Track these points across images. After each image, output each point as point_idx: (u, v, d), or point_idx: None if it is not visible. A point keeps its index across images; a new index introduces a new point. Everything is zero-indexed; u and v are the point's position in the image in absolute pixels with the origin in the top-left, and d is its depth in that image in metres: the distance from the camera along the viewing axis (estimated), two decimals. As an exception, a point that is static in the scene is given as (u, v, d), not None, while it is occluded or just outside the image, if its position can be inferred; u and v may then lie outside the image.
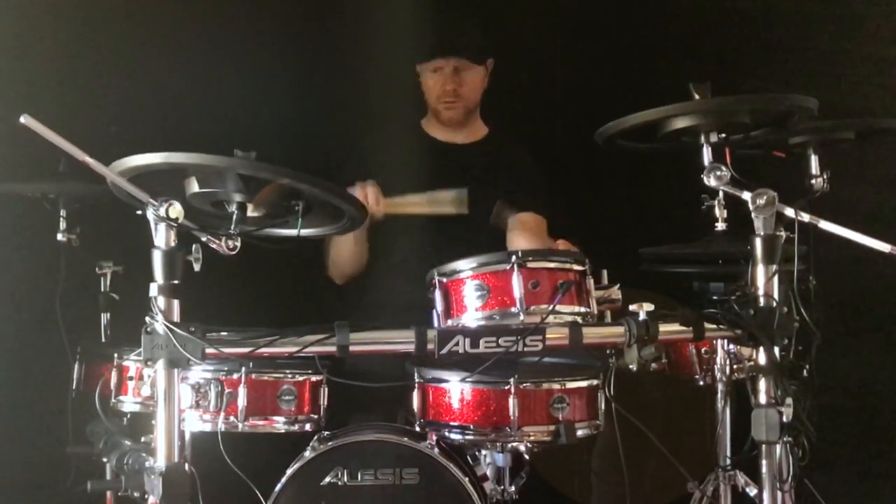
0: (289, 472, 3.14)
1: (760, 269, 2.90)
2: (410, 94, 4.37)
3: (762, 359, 2.91)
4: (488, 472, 3.35)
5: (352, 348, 2.78)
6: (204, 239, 2.72)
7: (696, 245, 3.43)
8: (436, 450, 3.14)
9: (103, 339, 3.73)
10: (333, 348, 2.78)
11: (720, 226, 3.12)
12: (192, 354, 2.62)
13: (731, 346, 3.49)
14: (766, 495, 2.93)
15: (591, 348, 3.18)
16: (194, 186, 2.69)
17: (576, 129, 3.59)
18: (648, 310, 2.87)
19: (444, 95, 4.19)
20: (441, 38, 4.18)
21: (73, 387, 3.59)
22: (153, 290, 2.63)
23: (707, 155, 2.98)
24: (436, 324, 3.03)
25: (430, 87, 4.22)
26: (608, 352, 3.17)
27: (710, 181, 2.93)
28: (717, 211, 3.09)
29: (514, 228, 4.12)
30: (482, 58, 4.19)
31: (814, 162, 3.39)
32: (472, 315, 2.96)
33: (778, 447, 2.89)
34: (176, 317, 2.65)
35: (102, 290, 3.73)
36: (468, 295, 2.98)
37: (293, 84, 4.64)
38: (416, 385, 3.20)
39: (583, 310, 2.98)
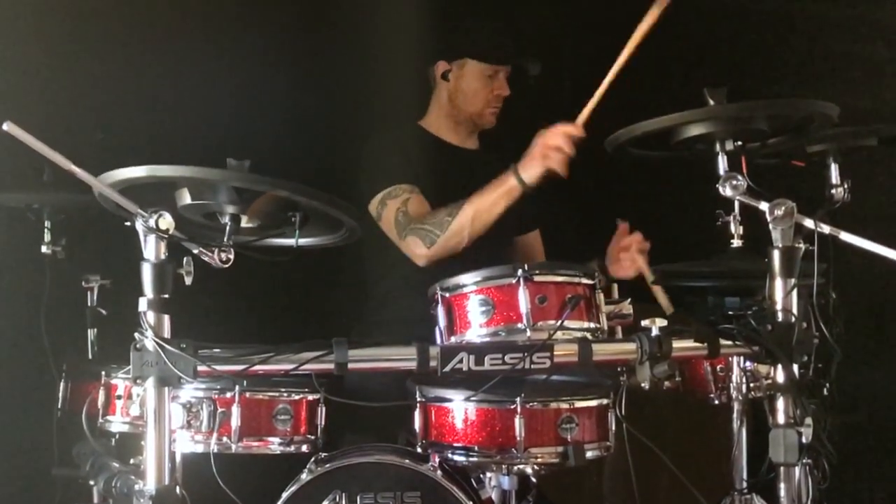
0: (284, 495, 3.12)
1: (778, 283, 2.90)
2: (410, 95, 4.37)
3: (780, 376, 2.91)
4: (493, 496, 3.34)
5: (350, 366, 2.78)
6: (196, 251, 2.72)
7: (710, 263, 3.43)
8: (438, 472, 3.13)
9: (90, 356, 3.73)
10: (331, 366, 2.77)
11: (736, 243, 3.11)
12: (184, 372, 2.62)
13: (748, 364, 3.49)
14: (784, 520, 2.93)
15: (601, 366, 3.16)
16: (186, 197, 2.69)
17: (585, 136, 3.59)
18: (661, 325, 2.87)
19: (496, 101, 4.20)
20: (502, 44, 4.17)
21: (59, 406, 3.59)
22: (143, 304, 2.63)
23: (722, 163, 2.99)
24: (438, 340, 3.03)
25: (474, 90, 4.18)
26: (619, 369, 3.17)
27: (726, 191, 2.93)
28: (732, 227, 3.09)
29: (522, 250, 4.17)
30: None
31: (834, 170, 3.39)
32: (477, 331, 2.97)
33: (797, 469, 2.89)
34: (166, 333, 2.65)
35: (89, 304, 3.73)
36: (472, 310, 2.99)
37: (288, 88, 4.65)
38: (418, 404, 3.19)
39: (592, 325, 2.99)
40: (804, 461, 2.87)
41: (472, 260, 3.26)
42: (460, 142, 4.31)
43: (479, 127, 4.27)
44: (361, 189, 4.03)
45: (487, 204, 3.71)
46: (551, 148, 3.52)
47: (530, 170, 3.58)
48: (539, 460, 3.09)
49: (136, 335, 2.64)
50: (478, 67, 4.14)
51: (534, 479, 3.35)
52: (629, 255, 3.95)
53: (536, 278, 2.95)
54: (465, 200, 3.73)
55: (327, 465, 3.15)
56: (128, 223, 2.63)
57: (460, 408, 3.13)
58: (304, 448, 3.25)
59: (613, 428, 3.19)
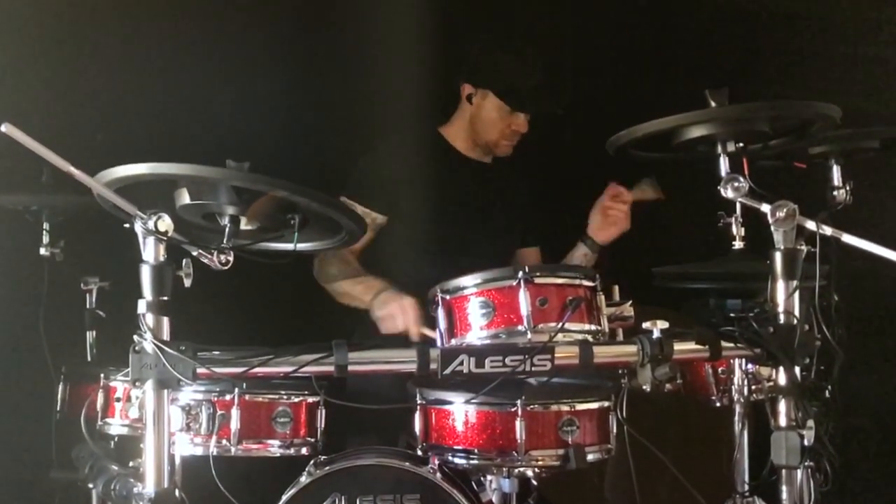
0: (284, 498, 3.14)
1: (780, 285, 2.91)
2: (412, 99, 4.36)
3: (782, 379, 2.92)
4: (494, 499, 3.34)
5: (350, 368, 2.78)
6: (195, 253, 2.72)
7: (711, 265, 3.43)
8: (438, 475, 3.14)
9: (89, 359, 3.73)
10: (331, 368, 2.77)
11: (737, 244, 3.11)
12: (183, 374, 2.62)
13: (750, 366, 3.48)
14: (786, 523, 2.93)
15: (602, 368, 3.17)
16: (185, 198, 2.69)
17: (586, 138, 3.59)
18: (662, 327, 2.87)
19: (513, 136, 4.16)
20: (527, 95, 4.09)
21: (58, 409, 3.59)
22: (142, 306, 2.63)
23: (724, 165, 2.99)
24: (439, 342, 3.03)
25: (494, 119, 4.13)
26: (620, 372, 3.17)
27: (728, 193, 2.93)
28: (734, 229, 3.08)
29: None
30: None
31: (836, 172, 3.39)
32: (477, 333, 2.97)
33: (799, 472, 2.90)
34: (165, 335, 2.65)
35: (88, 306, 3.73)
36: (473, 312, 2.98)
37: (290, 88, 4.63)
38: (419, 407, 3.20)
39: (593, 328, 2.99)
40: (806, 464, 2.87)
41: (473, 264, 3.26)
42: (476, 155, 4.28)
43: (495, 154, 4.26)
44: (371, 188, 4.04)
45: (352, 295, 3.95)
46: (394, 318, 3.60)
47: (378, 309, 3.70)
48: (540, 463, 3.10)
49: (135, 337, 2.64)
50: (498, 102, 4.11)
51: (534, 482, 3.36)
52: (617, 205, 4.06)
53: (537, 280, 2.95)
54: (357, 271, 3.99)
55: (327, 468, 3.15)
56: (127, 225, 2.63)
57: (461, 410, 3.13)
58: (304, 451, 3.25)
59: (614, 430, 3.20)
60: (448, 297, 3.04)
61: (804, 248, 2.92)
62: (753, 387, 3.52)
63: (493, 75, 4.13)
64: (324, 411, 3.27)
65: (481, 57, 4.20)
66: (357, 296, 3.89)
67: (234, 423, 3.11)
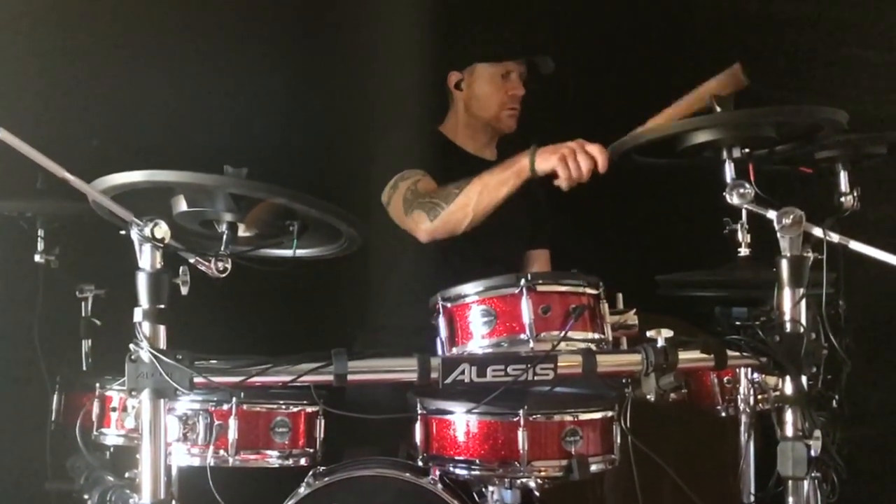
0: (282, 509, 3.13)
1: (787, 293, 2.90)
2: (413, 101, 4.36)
3: (788, 388, 2.91)
4: (495, 510, 3.34)
5: (350, 377, 2.76)
6: (192, 260, 2.71)
7: (717, 273, 3.43)
8: (439, 486, 3.13)
9: (84, 368, 3.72)
10: (330, 377, 2.76)
11: (743, 251, 3.11)
12: (180, 384, 2.61)
13: (756, 375, 3.48)
14: (792, 534, 2.93)
15: (605, 377, 3.17)
16: (182, 205, 2.69)
17: (590, 141, 3.58)
18: (667, 336, 2.87)
19: (512, 101, 4.16)
20: (507, 40, 4.13)
21: (52, 418, 3.58)
22: (138, 315, 2.62)
23: (729, 171, 2.98)
24: (440, 351, 3.03)
25: (489, 93, 4.15)
26: (624, 381, 3.16)
27: (733, 199, 2.93)
28: (740, 236, 3.08)
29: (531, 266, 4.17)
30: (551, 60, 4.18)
31: (843, 178, 3.39)
32: (479, 342, 2.97)
33: (805, 483, 2.89)
34: (162, 344, 2.64)
35: (83, 315, 3.72)
36: (474, 321, 2.98)
37: (289, 92, 4.64)
38: (419, 417, 3.18)
39: (597, 336, 2.98)
40: (813, 475, 2.87)
41: (481, 266, 3.26)
42: (477, 150, 4.28)
43: (499, 132, 4.25)
44: (370, 189, 4.02)
45: (495, 181, 3.63)
46: (573, 156, 3.43)
47: (545, 161, 3.49)
48: (542, 474, 3.08)
49: (132, 346, 2.63)
50: (488, 70, 4.12)
51: (537, 493, 3.35)
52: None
53: (539, 288, 2.94)
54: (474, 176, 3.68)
55: (326, 479, 3.14)
56: (123, 232, 2.63)
57: (462, 420, 3.12)
58: (303, 461, 3.24)
59: (618, 441, 3.18)
60: (449, 304, 3.03)
61: (811, 255, 2.91)
62: (759, 396, 3.52)
63: (474, 44, 4.14)
64: (323, 421, 3.26)
65: (457, 38, 4.20)
66: (505, 175, 3.62)
67: (232, 434, 3.10)
